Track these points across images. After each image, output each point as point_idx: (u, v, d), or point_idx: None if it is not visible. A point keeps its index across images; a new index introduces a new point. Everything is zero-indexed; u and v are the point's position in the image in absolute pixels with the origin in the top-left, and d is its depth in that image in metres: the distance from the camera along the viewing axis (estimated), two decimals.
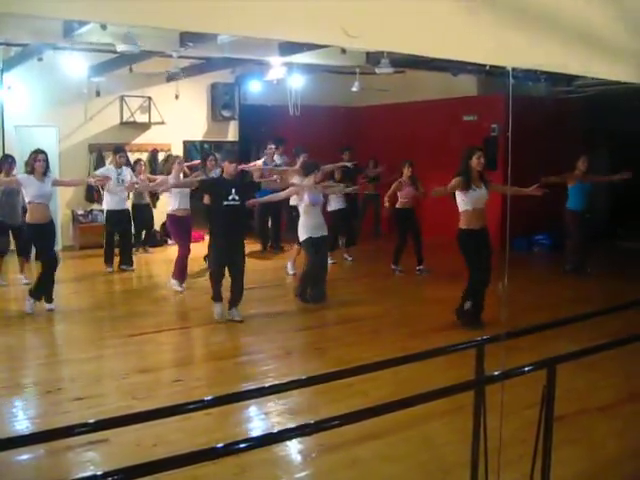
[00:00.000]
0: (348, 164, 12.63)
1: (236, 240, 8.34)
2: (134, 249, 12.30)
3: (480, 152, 7.79)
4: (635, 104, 10.73)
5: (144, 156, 13.88)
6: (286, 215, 11.38)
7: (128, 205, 11.74)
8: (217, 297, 8.38)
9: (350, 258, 12.33)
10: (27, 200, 8.60)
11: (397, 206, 11.17)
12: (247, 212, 8.90)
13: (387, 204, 11.12)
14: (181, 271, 9.95)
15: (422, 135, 14.58)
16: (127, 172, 11.50)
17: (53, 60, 11.04)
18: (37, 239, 8.72)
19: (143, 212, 12.72)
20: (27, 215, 8.66)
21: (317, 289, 9.36)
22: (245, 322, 8.29)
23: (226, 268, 8.38)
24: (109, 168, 11.52)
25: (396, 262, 11.22)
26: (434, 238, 13.19)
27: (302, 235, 9.36)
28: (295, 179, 10.86)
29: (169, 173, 10.12)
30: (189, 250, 10.01)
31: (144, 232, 13.28)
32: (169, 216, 10.11)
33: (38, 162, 8.50)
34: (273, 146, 13.12)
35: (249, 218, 11.82)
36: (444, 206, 12.05)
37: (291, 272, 11.05)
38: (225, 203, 8.17)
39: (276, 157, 13.28)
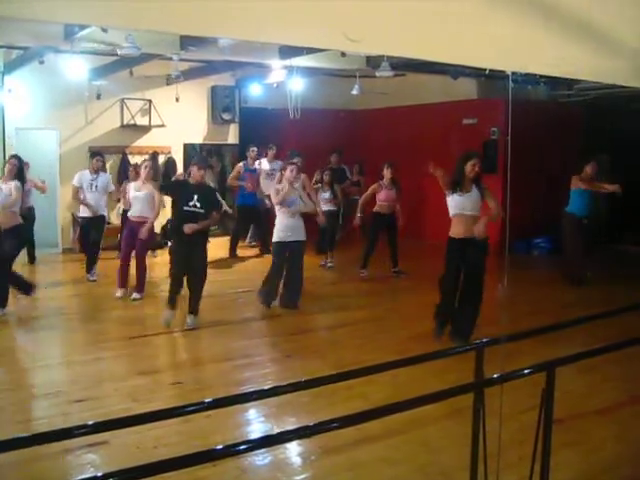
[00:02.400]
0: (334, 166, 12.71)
1: (195, 247, 7.97)
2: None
3: (476, 159, 7.27)
4: (635, 107, 10.74)
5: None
6: None
7: (104, 212, 11.08)
8: (170, 301, 8.08)
9: (330, 264, 12.04)
10: None
11: (374, 209, 10.90)
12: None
13: (359, 211, 10.90)
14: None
15: (422, 138, 14.58)
16: (103, 178, 10.95)
17: (54, 63, 11.04)
18: None
19: None
20: None
21: (289, 294, 9.03)
22: (243, 325, 8.31)
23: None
24: (84, 173, 10.90)
25: (364, 266, 10.96)
26: (432, 241, 13.21)
27: (273, 237, 9.00)
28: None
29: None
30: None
31: None
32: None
33: (7, 165, 8.57)
34: (256, 149, 13.05)
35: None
36: (443, 210, 12.10)
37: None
38: (185, 208, 7.92)
39: (263, 161, 13.15)
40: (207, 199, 8.03)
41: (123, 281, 9.63)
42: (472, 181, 7.21)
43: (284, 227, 8.83)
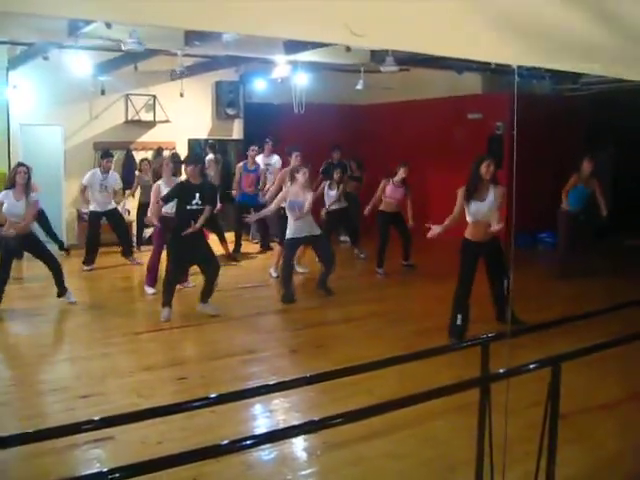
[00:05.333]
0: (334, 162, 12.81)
1: (198, 240, 8.31)
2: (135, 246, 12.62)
3: (490, 160, 7.39)
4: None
5: (149, 154, 13.90)
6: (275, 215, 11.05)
7: (113, 205, 11.55)
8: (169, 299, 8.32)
9: (362, 255, 12.24)
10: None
11: (380, 208, 10.91)
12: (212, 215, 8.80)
13: (368, 209, 10.95)
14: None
15: (427, 133, 14.56)
16: (113, 178, 11.45)
17: (58, 59, 11.05)
18: None
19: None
20: None
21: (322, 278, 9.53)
22: (248, 320, 8.32)
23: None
24: (95, 172, 11.37)
25: (380, 265, 10.94)
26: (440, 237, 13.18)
27: (287, 235, 9.32)
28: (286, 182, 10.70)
29: (159, 175, 9.92)
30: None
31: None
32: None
33: (18, 174, 8.50)
34: (256, 148, 13.01)
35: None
36: (446, 205, 12.07)
37: (274, 275, 10.61)
38: (188, 207, 8.11)
39: (260, 158, 13.15)
40: (207, 196, 8.24)
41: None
42: (489, 183, 7.33)
43: (296, 226, 9.16)
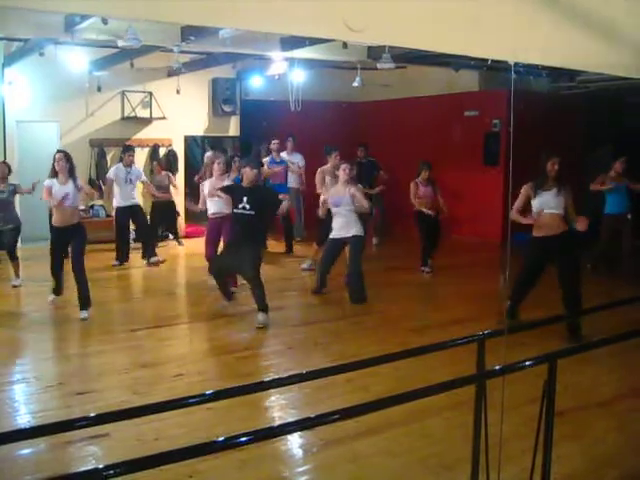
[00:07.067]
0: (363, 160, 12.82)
1: (246, 250, 7.89)
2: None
3: (556, 158, 7.43)
4: (637, 99, 10.70)
5: (145, 151, 13.90)
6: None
7: (138, 201, 11.72)
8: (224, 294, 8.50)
9: None
10: None
11: (415, 208, 10.98)
12: (264, 224, 8.35)
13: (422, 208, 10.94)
14: None
15: (423, 130, 14.55)
16: (137, 171, 11.61)
17: (54, 55, 11.02)
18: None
19: (165, 207, 12.75)
20: None
21: (354, 290, 9.04)
22: (245, 317, 8.30)
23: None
24: (119, 167, 11.48)
25: (425, 263, 10.97)
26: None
27: (330, 235, 9.32)
28: (327, 179, 10.70)
29: (210, 174, 9.76)
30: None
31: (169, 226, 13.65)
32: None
33: (56, 163, 8.30)
34: (277, 141, 13.10)
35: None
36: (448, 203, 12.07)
37: (305, 266, 11.01)
38: (235, 211, 7.99)
39: (284, 154, 13.27)
40: (258, 200, 7.95)
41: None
42: (554, 180, 7.35)
43: (335, 226, 9.17)
